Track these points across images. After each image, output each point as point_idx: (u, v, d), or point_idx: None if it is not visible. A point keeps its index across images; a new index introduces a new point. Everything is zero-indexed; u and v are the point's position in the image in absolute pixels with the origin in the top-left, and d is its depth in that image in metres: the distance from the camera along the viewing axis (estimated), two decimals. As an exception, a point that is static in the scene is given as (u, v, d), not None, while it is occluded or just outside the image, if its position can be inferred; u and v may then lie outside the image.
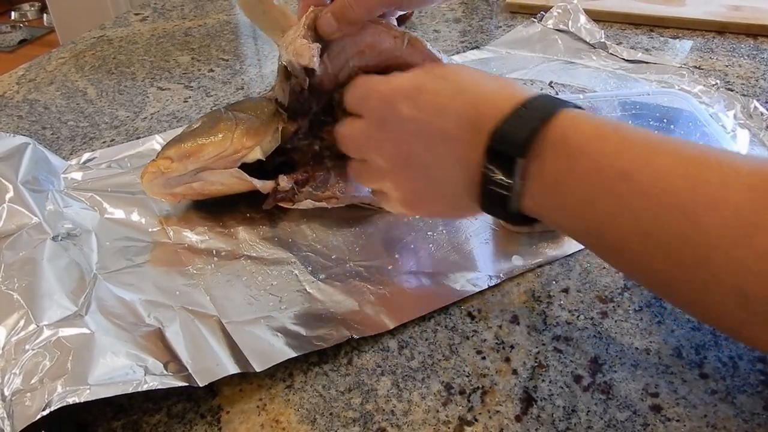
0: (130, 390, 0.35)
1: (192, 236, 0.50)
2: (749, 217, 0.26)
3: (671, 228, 0.28)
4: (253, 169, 0.50)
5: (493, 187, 0.35)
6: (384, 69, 0.55)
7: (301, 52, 0.47)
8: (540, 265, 0.46)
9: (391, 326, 0.42)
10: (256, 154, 0.49)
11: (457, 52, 0.79)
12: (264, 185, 0.50)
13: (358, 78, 0.44)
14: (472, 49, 0.80)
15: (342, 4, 0.47)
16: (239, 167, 0.49)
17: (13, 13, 3.36)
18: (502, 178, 0.34)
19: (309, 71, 0.48)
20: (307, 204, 0.50)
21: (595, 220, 0.32)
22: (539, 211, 0.35)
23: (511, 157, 0.33)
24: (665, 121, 0.55)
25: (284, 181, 0.49)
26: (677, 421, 0.36)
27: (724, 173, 0.28)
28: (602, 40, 0.78)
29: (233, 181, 0.50)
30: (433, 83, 0.39)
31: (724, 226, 0.27)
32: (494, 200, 0.35)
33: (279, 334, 0.41)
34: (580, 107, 0.35)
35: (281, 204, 0.50)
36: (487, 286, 0.45)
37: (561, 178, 0.32)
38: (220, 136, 0.48)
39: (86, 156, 0.60)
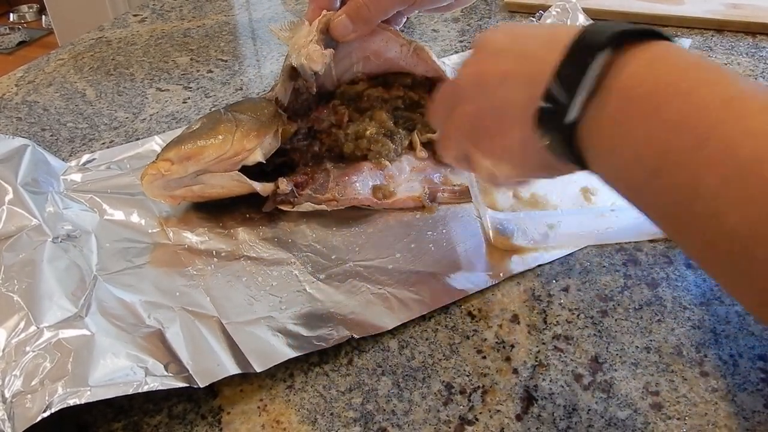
0: (131, 391, 0.35)
1: (192, 237, 0.50)
2: None
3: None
4: (252, 170, 0.50)
5: (557, 87, 0.30)
6: (387, 76, 0.55)
7: (314, 58, 0.47)
8: (540, 265, 0.46)
9: (391, 326, 0.42)
10: (257, 157, 0.49)
11: (456, 52, 0.79)
12: (264, 188, 0.50)
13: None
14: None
15: (356, 4, 0.47)
16: (239, 170, 0.49)
17: (11, 15, 3.36)
18: (572, 75, 0.29)
19: (317, 75, 0.48)
20: (306, 207, 0.50)
21: (670, 152, 0.26)
22: (600, 136, 0.29)
23: (592, 48, 0.29)
24: None
25: (284, 184, 0.49)
26: (678, 419, 0.36)
27: None
28: (601, 38, 0.78)
29: (233, 184, 0.50)
30: (535, 28, 0.36)
31: None
32: (552, 108, 0.30)
33: (279, 334, 0.41)
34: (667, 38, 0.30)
35: (281, 207, 0.50)
36: (487, 286, 0.45)
37: (643, 93, 0.28)
38: (220, 138, 0.48)
39: (86, 157, 0.60)
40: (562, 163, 0.32)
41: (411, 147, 0.55)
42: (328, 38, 0.48)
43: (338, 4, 0.50)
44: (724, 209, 0.25)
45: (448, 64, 0.56)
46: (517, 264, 0.46)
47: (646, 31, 0.29)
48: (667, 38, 0.30)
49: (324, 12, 0.48)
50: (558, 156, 0.32)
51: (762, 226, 0.23)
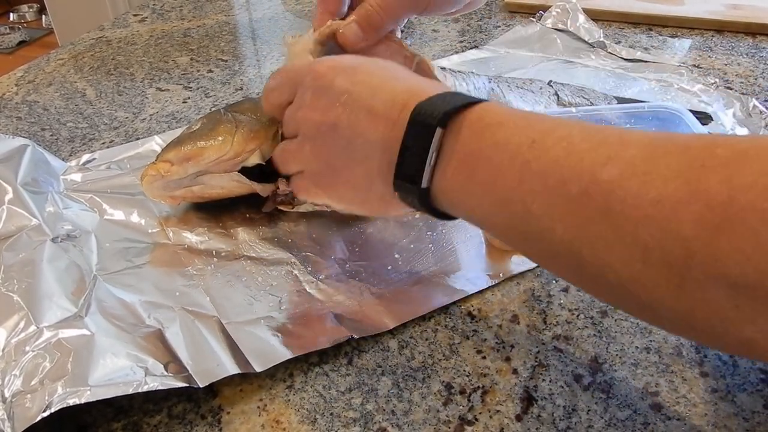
0: (131, 391, 0.35)
1: (192, 237, 0.50)
2: (643, 167, 0.27)
3: (573, 188, 0.28)
4: (252, 170, 0.50)
5: (408, 162, 0.35)
6: None
7: None
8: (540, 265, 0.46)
9: (391, 326, 0.42)
10: (256, 159, 0.49)
11: (456, 52, 0.80)
12: (264, 188, 0.50)
13: (286, 68, 0.46)
14: (471, 48, 0.80)
15: (366, 11, 0.47)
16: (239, 171, 0.49)
17: (11, 15, 3.36)
18: (417, 150, 0.34)
19: None
20: (306, 207, 0.50)
21: (504, 191, 0.32)
22: (450, 193, 0.34)
23: (429, 127, 0.34)
24: None
25: (284, 185, 0.49)
26: (677, 420, 0.36)
27: (623, 136, 0.29)
28: (601, 39, 0.78)
29: (233, 185, 0.50)
30: (370, 65, 0.40)
31: (620, 178, 0.27)
32: (407, 178, 0.35)
33: (279, 334, 0.41)
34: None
35: (281, 207, 0.50)
36: (487, 286, 0.45)
37: (474, 152, 0.33)
38: (220, 139, 0.48)
39: (85, 157, 0.60)
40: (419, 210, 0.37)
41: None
42: (333, 47, 0.48)
43: (346, 8, 0.50)
44: (551, 225, 0.30)
45: (449, 70, 0.56)
46: (517, 264, 0.46)
47: (466, 102, 0.34)
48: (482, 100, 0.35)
49: (330, 22, 0.48)
50: (417, 209, 0.37)
51: (580, 230, 0.28)
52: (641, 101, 0.65)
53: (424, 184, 0.35)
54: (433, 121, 0.34)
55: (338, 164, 0.40)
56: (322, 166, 0.41)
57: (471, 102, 0.34)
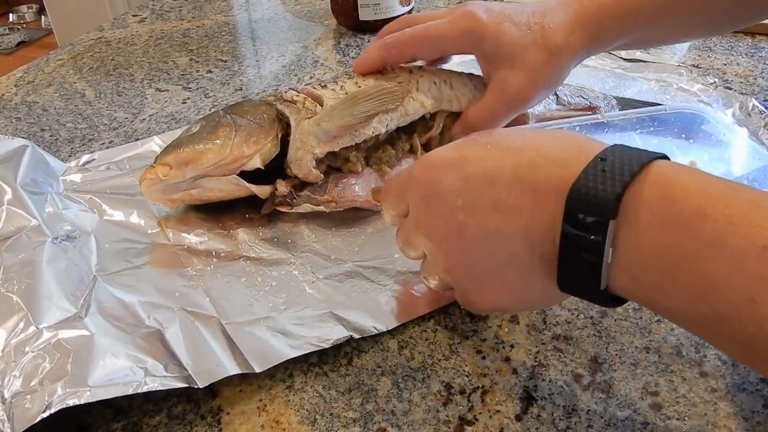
0: (130, 391, 0.35)
1: (191, 237, 0.50)
2: None
3: None
4: (251, 171, 0.50)
5: (574, 262, 0.29)
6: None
7: (302, 168, 0.49)
8: (539, 265, 0.46)
9: (391, 326, 0.42)
10: (256, 163, 0.49)
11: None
12: (262, 191, 0.50)
13: (392, 178, 0.41)
14: (471, 48, 0.80)
15: (469, 121, 0.50)
16: (238, 174, 0.49)
17: (11, 15, 3.36)
18: (584, 248, 0.28)
19: None
20: (305, 208, 0.50)
21: (724, 307, 0.25)
22: (635, 289, 0.29)
23: (597, 220, 0.27)
24: (683, 137, 0.55)
25: (282, 186, 0.49)
26: (677, 419, 0.36)
27: None
28: (600, 39, 0.78)
29: (232, 188, 0.50)
30: (477, 150, 0.34)
31: None
32: (579, 276, 0.29)
33: (279, 334, 0.41)
34: (666, 157, 0.29)
35: (279, 208, 0.50)
36: (486, 286, 0.45)
37: (671, 248, 0.26)
38: (218, 143, 0.48)
39: (85, 158, 0.60)
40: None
41: (411, 150, 0.55)
42: None
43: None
44: None
45: None
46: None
47: (633, 173, 0.28)
48: (659, 156, 0.29)
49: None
50: (593, 302, 0.32)
51: None
52: (641, 101, 0.65)
53: (603, 285, 0.29)
54: (603, 213, 0.27)
55: (483, 274, 0.35)
56: (464, 281, 0.36)
57: (639, 167, 0.28)
